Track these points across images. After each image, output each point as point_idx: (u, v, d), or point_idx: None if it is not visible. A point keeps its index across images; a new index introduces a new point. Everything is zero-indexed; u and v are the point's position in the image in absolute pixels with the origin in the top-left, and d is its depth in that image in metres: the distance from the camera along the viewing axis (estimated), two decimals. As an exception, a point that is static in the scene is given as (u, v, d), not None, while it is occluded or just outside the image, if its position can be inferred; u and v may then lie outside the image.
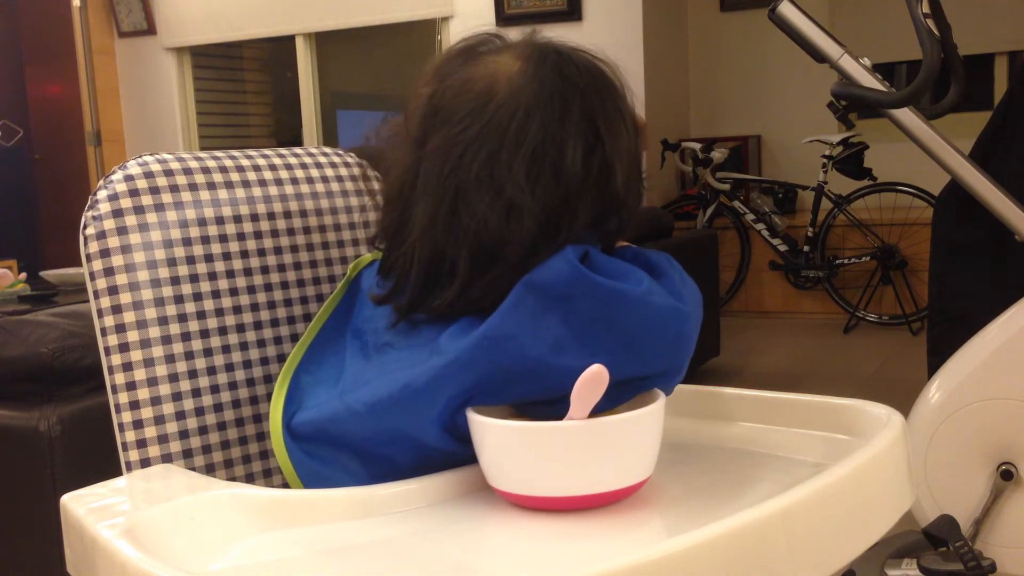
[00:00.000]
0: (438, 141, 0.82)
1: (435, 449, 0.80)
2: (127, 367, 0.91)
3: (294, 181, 1.05)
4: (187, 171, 0.98)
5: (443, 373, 0.77)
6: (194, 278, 0.95)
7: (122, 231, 0.92)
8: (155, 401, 0.91)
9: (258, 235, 1.00)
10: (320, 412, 0.83)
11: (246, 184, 1.01)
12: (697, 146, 5.11)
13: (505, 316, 0.76)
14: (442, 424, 0.78)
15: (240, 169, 1.02)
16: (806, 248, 5.00)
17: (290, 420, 0.85)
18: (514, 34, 0.87)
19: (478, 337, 0.76)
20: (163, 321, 0.92)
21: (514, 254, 0.79)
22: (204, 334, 0.95)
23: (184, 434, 0.92)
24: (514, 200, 0.79)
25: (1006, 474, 1.75)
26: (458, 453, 0.80)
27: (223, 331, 0.97)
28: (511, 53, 0.84)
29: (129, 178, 0.95)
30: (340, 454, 0.82)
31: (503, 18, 5.05)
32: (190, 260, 0.95)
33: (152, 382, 0.91)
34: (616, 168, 0.82)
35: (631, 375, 0.78)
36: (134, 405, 0.91)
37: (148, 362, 0.91)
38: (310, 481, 0.83)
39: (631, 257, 0.85)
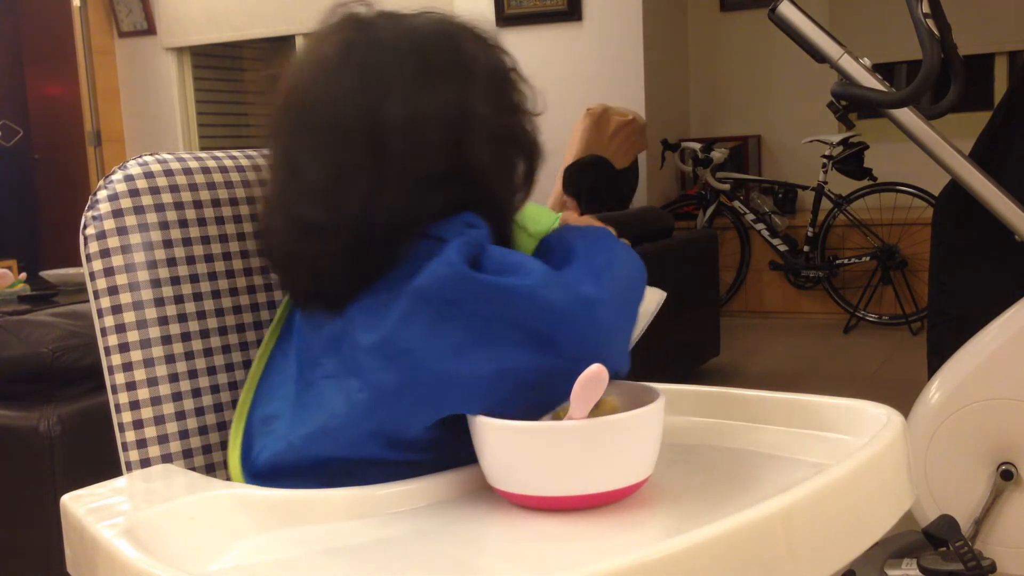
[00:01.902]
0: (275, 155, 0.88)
1: (388, 462, 0.80)
2: (127, 367, 0.91)
3: (294, 181, 1.05)
4: (187, 171, 0.98)
5: (358, 414, 0.78)
6: (194, 278, 0.95)
7: (122, 231, 0.92)
8: (155, 401, 0.91)
9: (258, 235, 1.00)
10: (271, 452, 0.83)
11: (246, 184, 1.01)
12: (697, 146, 5.11)
13: (397, 331, 0.76)
14: (383, 442, 0.79)
15: (240, 169, 1.02)
16: (806, 248, 5.00)
17: (247, 462, 0.86)
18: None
19: (378, 359, 0.76)
20: (163, 321, 0.92)
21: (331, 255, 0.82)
22: (204, 334, 0.95)
23: (184, 434, 0.92)
24: (308, 216, 0.82)
25: (1006, 474, 1.75)
26: (419, 460, 0.81)
27: (223, 331, 0.96)
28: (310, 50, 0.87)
29: (129, 178, 0.95)
30: (300, 483, 0.81)
31: (503, 18, 5.04)
32: (190, 260, 0.95)
33: (152, 382, 0.91)
34: (427, 131, 0.81)
35: (551, 369, 0.77)
36: (134, 405, 0.91)
37: (148, 362, 0.91)
38: None
39: (555, 241, 0.84)
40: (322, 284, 0.84)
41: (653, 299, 0.91)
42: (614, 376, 0.80)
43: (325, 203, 0.82)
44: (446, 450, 0.81)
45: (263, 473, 0.83)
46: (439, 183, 0.82)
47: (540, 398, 0.78)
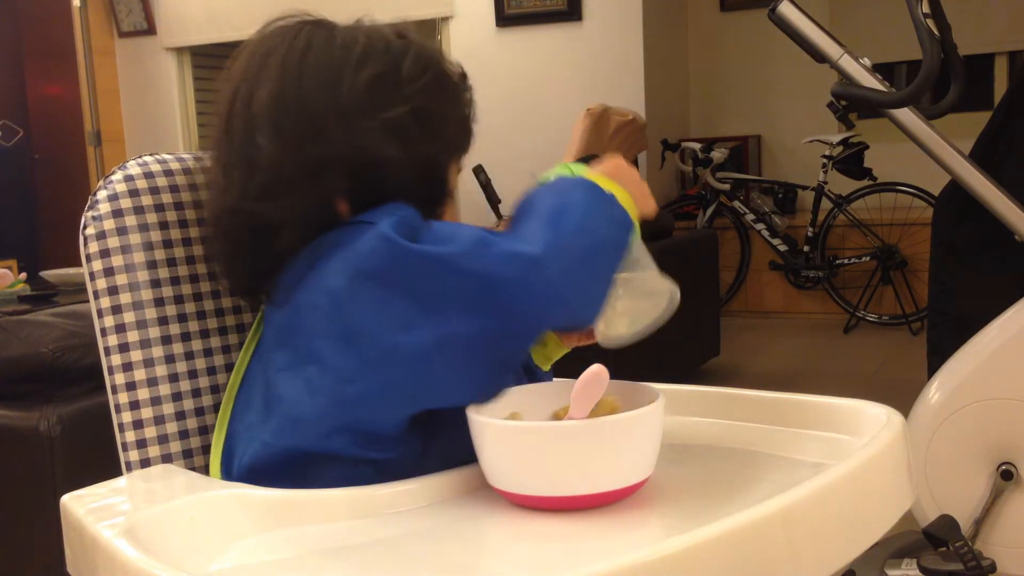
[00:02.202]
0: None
1: (355, 459, 0.81)
2: (127, 367, 0.91)
3: (294, 181, 1.05)
4: (187, 171, 0.98)
5: (323, 400, 0.79)
6: (194, 278, 0.95)
7: (122, 231, 0.92)
8: (155, 401, 0.91)
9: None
10: (249, 456, 0.84)
11: (246, 184, 1.01)
12: (697, 146, 5.11)
13: (347, 311, 0.78)
14: (350, 436, 0.80)
15: (240, 169, 1.02)
16: (806, 248, 5.00)
17: (227, 472, 0.86)
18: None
19: (335, 341, 0.78)
20: (163, 321, 0.92)
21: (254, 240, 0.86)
22: (204, 334, 0.95)
23: (184, 434, 0.92)
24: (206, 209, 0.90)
25: (1006, 474, 1.75)
26: (386, 458, 0.81)
27: (223, 331, 0.97)
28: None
29: (129, 178, 0.95)
30: (273, 484, 0.81)
31: (503, 18, 5.04)
32: (190, 260, 0.95)
33: (152, 382, 0.91)
34: (294, 124, 0.84)
35: (493, 329, 0.78)
36: (134, 405, 0.91)
37: (148, 362, 0.91)
38: None
39: (534, 196, 0.85)
40: (226, 276, 0.90)
41: (665, 291, 0.87)
42: (580, 328, 0.80)
43: (214, 196, 0.88)
44: (416, 447, 0.82)
45: (243, 478, 0.83)
46: (323, 173, 0.84)
47: (491, 361, 0.79)
